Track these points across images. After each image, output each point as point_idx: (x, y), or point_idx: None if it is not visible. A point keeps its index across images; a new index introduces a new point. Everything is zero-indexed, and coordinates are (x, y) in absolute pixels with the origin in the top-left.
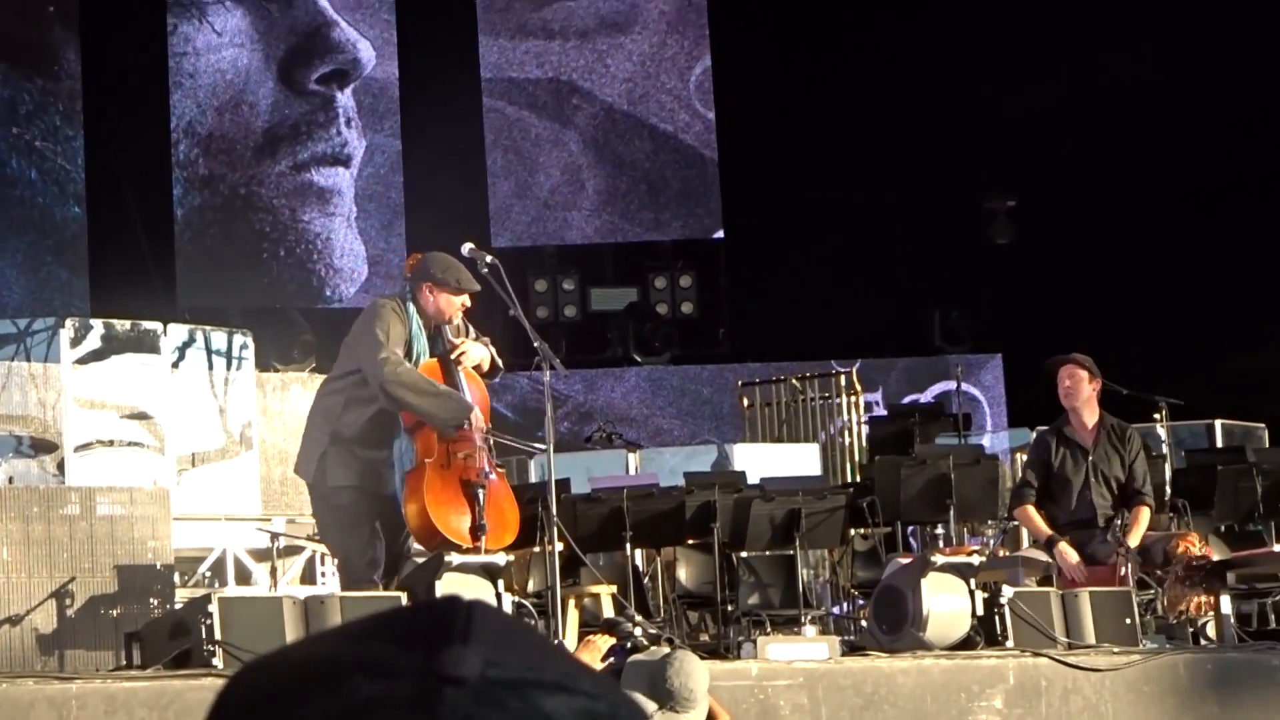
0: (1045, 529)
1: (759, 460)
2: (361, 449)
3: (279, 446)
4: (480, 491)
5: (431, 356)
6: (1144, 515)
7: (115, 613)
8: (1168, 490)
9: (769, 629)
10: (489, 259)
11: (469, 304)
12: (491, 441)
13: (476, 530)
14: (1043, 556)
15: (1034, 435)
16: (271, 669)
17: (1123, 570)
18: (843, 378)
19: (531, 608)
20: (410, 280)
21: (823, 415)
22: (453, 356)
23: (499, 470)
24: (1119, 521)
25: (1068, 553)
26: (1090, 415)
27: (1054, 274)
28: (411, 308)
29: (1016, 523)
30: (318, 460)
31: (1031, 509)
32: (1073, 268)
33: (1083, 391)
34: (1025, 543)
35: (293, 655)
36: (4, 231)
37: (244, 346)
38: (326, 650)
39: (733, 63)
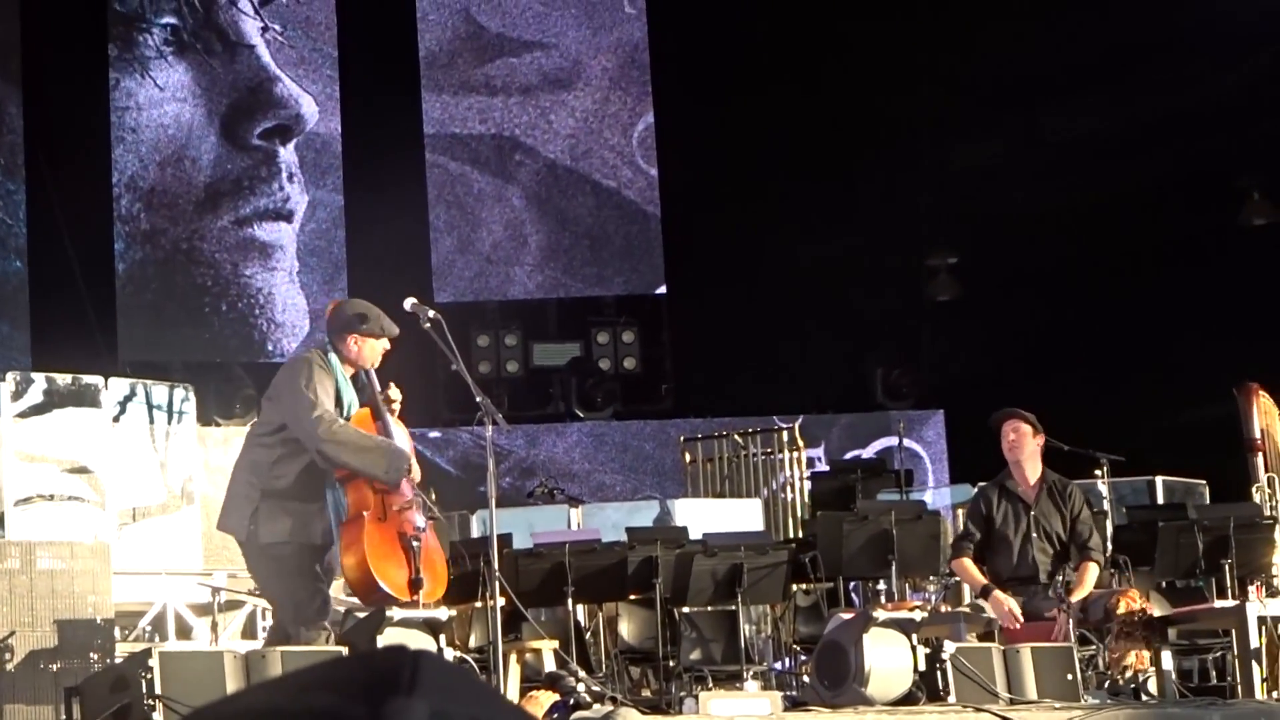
0: (981, 579)
1: (701, 516)
2: (294, 502)
3: (220, 501)
4: (416, 545)
5: (361, 403)
6: (1091, 572)
7: (55, 667)
8: (1108, 546)
9: (711, 684)
10: (431, 314)
11: (389, 348)
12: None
13: (414, 584)
14: (985, 612)
15: (975, 490)
16: (220, 717)
17: (1064, 626)
18: (785, 433)
19: (473, 663)
20: (330, 331)
21: (765, 471)
22: (386, 395)
23: (430, 520)
24: (1060, 578)
25: (1002, 599)
26: (1033, 471)
27: (996, 331)
28: (334, 358)
29: (958, 579)
30: (250, 516)
31: (968, 561)
32: (1014, 324)
33: (1026, 446)
34: (967, 598)
35: (238, 705)
36: None
37: (185, 400)
38: (272, 700)
39: (675, 119)
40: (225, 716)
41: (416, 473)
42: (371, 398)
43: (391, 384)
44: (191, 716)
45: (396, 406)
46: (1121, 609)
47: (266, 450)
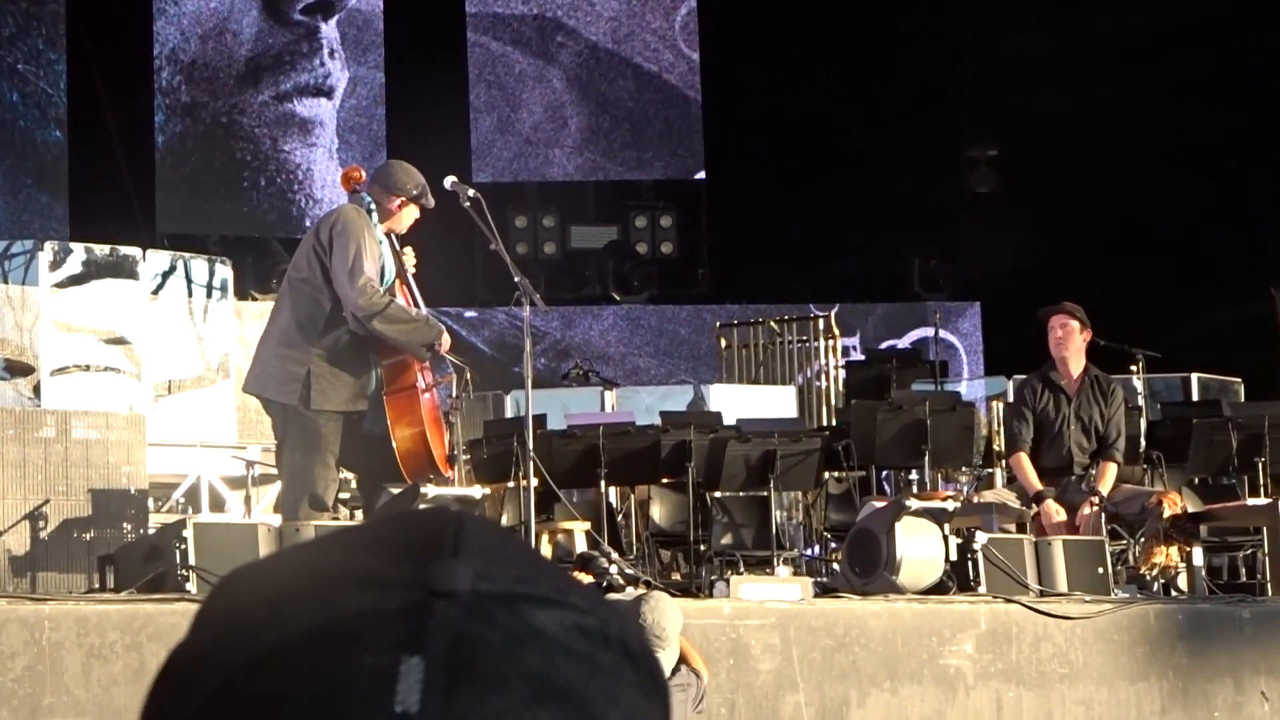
0: (1036, 483)
1: (735, 401)
2: (349, 369)
3: None
4: (451, 421)
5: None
6: (1110, 471)
7: (89, 536)
8: (1142, 442)
9: (741, 569)
10: (471, 193)
11: (418, 219)
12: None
13: (451, 459)
14: (1014, 502)
15: (1016, 381)
16: (260, 576)
17: (1095, 519)
18: (821, 321)
19: None
20: (376, 186)
21: (800, 358)
22: (408, 264)
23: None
24: (1092, 470)
25: (1053, 512)
26: (1076, 365)
27: (1034, 224)
28: (376, 219)
29: (990, 470)
30: (304, 379)
31: (1025, 457)
32: (1053, 218)
33: (1073, 342)
34: (999, 485)
35: (281, 563)
36: None
37: (224, 280)
38: (316, 559)
39: (718, 4)
40: (268, 574)
41: (447, 342)
42: (398, 263)
43: (407, 247)
44: (232, 574)
45: (412, 269)
46: (1166, 512)
47: (314, 302)
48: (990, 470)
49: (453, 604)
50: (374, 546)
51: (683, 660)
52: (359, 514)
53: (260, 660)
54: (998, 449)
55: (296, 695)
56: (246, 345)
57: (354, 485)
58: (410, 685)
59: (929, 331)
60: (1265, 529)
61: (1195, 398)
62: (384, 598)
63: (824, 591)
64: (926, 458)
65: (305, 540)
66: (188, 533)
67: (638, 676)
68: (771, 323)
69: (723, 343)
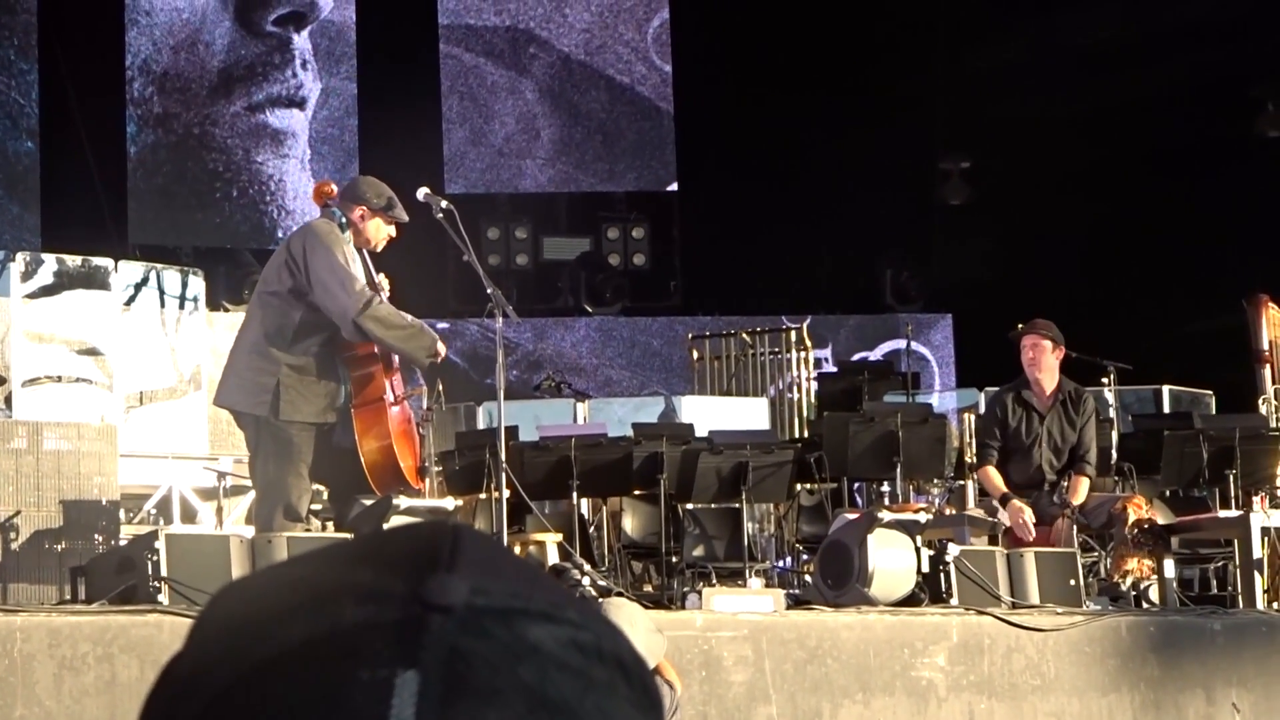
0: (1002, 487)
1: (707, 413)
2: (320, 380)
3: None
4: (422, 433)
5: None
6: (1083, 485)
7: (60, 547)
8: (1114, 454)
9: (713, 581)
10: (444, 204)
11: (395, 235)
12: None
13: (421, 471)
14: (988, 516)
15: (991, 394)
16: (254, 590)
17: (1066, 531)
18: (793, 333)
19: None
20: (343, 198)
21: (772, 370)
22: (383, 289)
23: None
24: (1064, 483)
25: (1019, 508)
26: (1050, 382)
27: (1006, 236)
28: (348, 233)
29: (962, 482)
30: (273, 390)
31: (993, 470)
32: (1025, 230)
33: (1044, 362)
34: (971, 501)
35: (276, 577)
36: None
37: (197, 291)
38: (311, 573)
39: (691, 16)
40: (263, 588)
41: (443, 351)
42: (369, 277)
43: (382, 274)
44: (229, 586)
45: (385, 294)
46: (1131, 517)
47: (283, 315)
48: (962, 482)
49: (448, 618)
50: (370, 560)
51: (656, 671)
52: (330, 525)
53: (256, 672)
54: (969, 461)
55: (292, 708)
56: (218, 356)
57: (326, 497)
58: (405, 699)
59: (901, 343)
60: (1236, 541)
61: (1167, 410)
62: (380, 611)
63: (796, 603)
64: (898, 470)
65: (301, 553)
66: (159, 544)
67: (632, 692)
68: (743, 334)
69: (695, 354)
